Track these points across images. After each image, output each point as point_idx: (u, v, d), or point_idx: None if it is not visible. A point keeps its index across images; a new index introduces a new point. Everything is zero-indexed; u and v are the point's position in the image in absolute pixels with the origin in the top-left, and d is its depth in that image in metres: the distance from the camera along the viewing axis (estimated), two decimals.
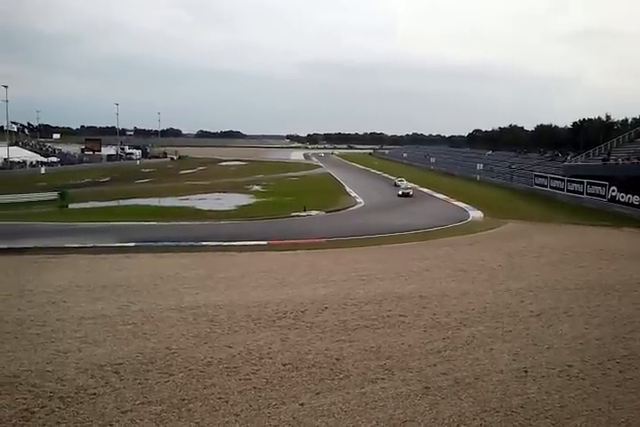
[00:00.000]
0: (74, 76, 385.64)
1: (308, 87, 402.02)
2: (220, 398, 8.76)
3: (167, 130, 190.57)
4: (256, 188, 53.37)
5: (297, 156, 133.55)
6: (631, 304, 14.65)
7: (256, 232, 27.10)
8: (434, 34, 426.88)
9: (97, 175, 62.87)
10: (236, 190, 50.04)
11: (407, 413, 8.33)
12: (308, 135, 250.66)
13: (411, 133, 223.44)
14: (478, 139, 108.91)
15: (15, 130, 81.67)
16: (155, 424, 7.96)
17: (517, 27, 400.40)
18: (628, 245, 25.04)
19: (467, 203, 40.47)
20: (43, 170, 66.41)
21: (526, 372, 9.86)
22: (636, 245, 25.98)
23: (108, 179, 60.75)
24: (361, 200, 42.85)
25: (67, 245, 22.41)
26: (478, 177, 65.32)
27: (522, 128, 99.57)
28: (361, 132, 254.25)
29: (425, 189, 51.75)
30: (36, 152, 79.29)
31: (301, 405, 8.55)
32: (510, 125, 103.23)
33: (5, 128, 76.40)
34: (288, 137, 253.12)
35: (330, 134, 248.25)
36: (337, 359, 10.37)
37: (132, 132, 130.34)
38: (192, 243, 23.65)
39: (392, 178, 61.86)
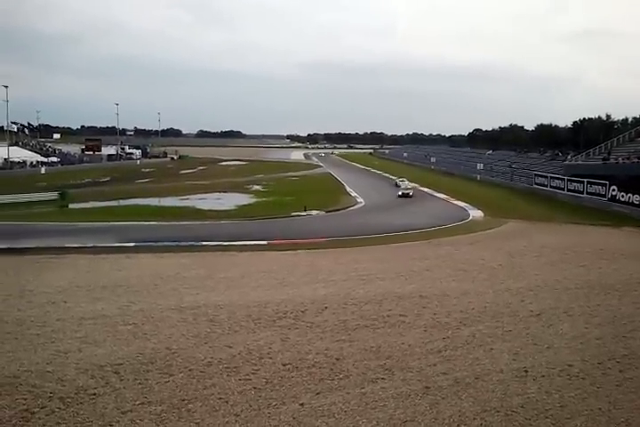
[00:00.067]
0: (74, 76, 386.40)
1: (308, 87, 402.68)
2: (221, 398, 8.76)
3: (167, 130, 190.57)
4: (256, 187, 53.35)
5: (297, 155, 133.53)
6: (631, 304, 14.65)
7: (256, 232, 27.09)
8: (434, 34, 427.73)
9: (97, 175, 62.87)
10: (237, 190, 50.03)
11: (407, 413, 8.33)
12: (309, 135, 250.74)
13: (411, 133, 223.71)
14: (478, 138, 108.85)
15: (15, 130, 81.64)
16: (155, 425, 7.96)
17: (517, 27, 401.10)
18: (629, 245, 25.03)
19: (467, 202, 40.45)
20: (43, 170, 66.41)
21: (526, 371, 9.86)
22: (636, 244, 25.97)
23: (108, 179, 60.75)
24: (361, 200, 42.83)
25: (67, 246, 22.40)
26: (478, 177, 65.30)
27: (522, 128, 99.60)
28: (361, 132, 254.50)
29: (425, 189, 51.74)
30: (36, 152, 79.31)
31: (301, 405, 8.55)
32: (510, 125, 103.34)
33: (5, 128, 76.36)
34: (288, 137, 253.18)
35: (330, 134, 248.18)
36: (337, 359, 10.37)
37: (132, 132, 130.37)
38: (192, 243, 23.64)
39: (392, 178, 61.81)
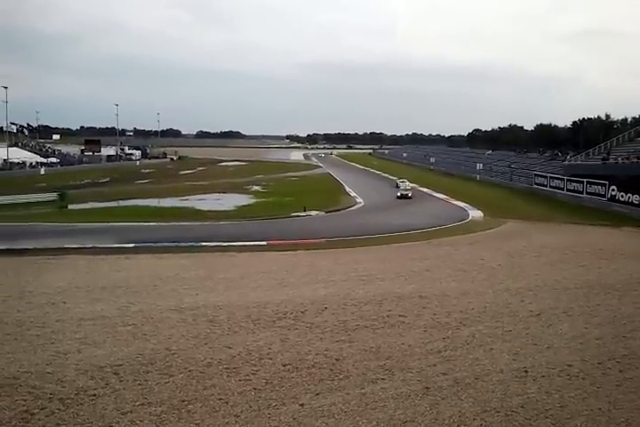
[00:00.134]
0: (74, 77, 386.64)
1: (308, 87, 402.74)
2: (220, 398, 8.77)
3: (167, 130, 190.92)
4: (256, 188, 53.34)
5: (297, 156, 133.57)
6: (631, 303, 14.67)
7: (256, 233, 27.08)
8: (434, 34, 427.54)
9: (96, 176, 62.86)
10: (236, 191, 50.00)
11: (407, 413, 8.33)
12: (308, 135, 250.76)
13: (410, 133, 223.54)
14: (478, 138, 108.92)
15: (14, 131, 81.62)
16: (155, 425, 7.96)
17: (517, 27, 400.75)
18: (628, 245, 25.04)
19: (466, 202, 40.44)
20: (42, 171, 66.34)
21: (526, 372, 9.87)
22: (635, 244, 25.98)
23: (107, 179, 60.71)
24: (360, 200, 42.82)
25: (66, 246, 22.38)
26: (478, 177, 65.32)
27: (521, 128, 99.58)
28: (360, 133, 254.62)
29: (425, 189, 51.73)
30: (35, 153, 79.26)
31: (301, 405, 8.55)
32: (510, 125, 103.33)
33: (5, 129, 76.36)
34: (288, 137, 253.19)
35: (329, 134, 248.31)
36: (337, 360, 10.37)
37: (131, 133, 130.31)
38: (192, 243, 23.62)
39: (392, 178, 61.74)
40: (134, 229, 27.76)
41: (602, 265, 19.88)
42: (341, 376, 9.62)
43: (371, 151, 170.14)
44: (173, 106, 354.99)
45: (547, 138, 77.16)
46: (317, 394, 8.94)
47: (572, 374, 9.84)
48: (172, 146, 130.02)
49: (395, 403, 8.64)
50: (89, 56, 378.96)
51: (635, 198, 34.37)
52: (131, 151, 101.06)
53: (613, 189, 36.99)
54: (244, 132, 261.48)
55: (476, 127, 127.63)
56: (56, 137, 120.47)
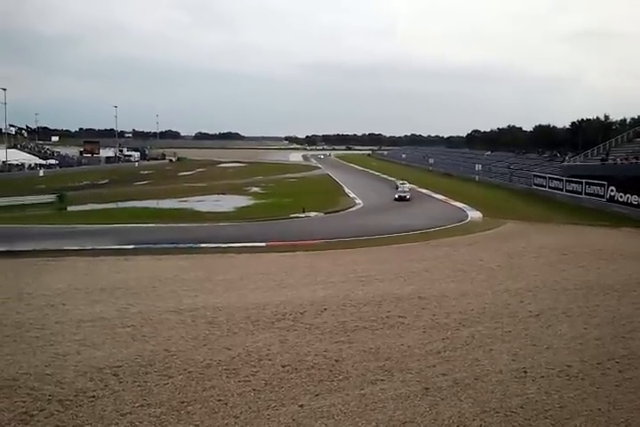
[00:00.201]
0: (73, 78, 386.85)
1: (309, 88, 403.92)
2: (220, 400, 8.76)
3: (166, 132, 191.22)
4: (255, 189, 53.32)
5: (296, 157, 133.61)
6: (630, 304, 14.67)
7: (255, 234, 27.08)
8: (434, 34, 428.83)
9: (95, 178, 62.87)
10: (235, 192, 49.98)
11: (407, 414, 8.33)
12: (307, 137, 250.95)
13: (409, 134, 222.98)
14: (477, 139, 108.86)
15: (13, 133, 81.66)
16: None
17: (518, 27, 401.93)
18: (627, 245, 25.04)
19: (465, 203, 40.45)
20: (41, 172, 66.40)
21: (526, 372, 9.87)
22: (634, 244, 25.98)
23: (106, 181, 60.74)
24: (360, 201, 42.80)
25: (65, 248, 22.37)
26: (477, 177, 65.36)
27: (520, 129, 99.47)
28: (359, 134, 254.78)
29: (424, 190, 51.73)
30: (34, 155, 79.32)
31: (301, 406, 8.55)
32: (509, 126, 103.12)
33: (4, 131, 76.41)
34: (287, 138, 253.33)
35: (328, 135, 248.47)
36: (336, 361, 10.37)
37: (130, 135, 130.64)
38: (191, 245, 23.61)
39: (391, 179, 61.74)
40: (133, 231, 27.74)
41: (601, 266, 19.89)
42: (341, 377, 9.62)
43: (370, 152, 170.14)
44: (172, 107, 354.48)
45: (546, 139, 77.10)
46: (317, 395, 8.94)
47: (572, 374, 9.84)
48: (170, 147, 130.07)
49: (394, 404, 8.64)
50: (88, 58, 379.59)
51: (633, 199, 34.39)
52: (129, 153, 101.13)
53: (612, 190, 37.01)
54: (243, 134, 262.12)
55: (476, 128, 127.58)
56: (55, 139, 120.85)
